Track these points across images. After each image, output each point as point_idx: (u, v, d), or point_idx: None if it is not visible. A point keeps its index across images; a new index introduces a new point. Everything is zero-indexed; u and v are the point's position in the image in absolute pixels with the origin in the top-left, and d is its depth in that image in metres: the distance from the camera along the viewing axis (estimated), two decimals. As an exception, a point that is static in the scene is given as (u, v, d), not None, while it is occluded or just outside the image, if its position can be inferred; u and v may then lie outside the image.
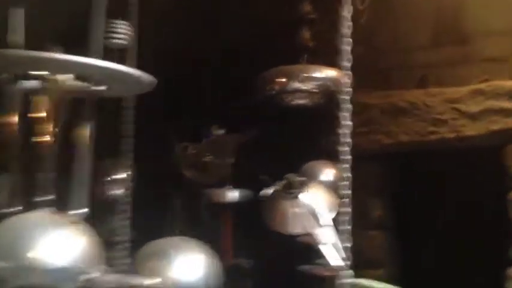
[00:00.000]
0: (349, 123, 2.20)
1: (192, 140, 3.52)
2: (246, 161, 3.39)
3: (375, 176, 3.36)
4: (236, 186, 3.34)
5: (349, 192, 2.19)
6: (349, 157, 2.19)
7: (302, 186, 2.61)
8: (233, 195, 3.30)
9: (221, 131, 3.47)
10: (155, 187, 3.41)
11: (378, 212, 3.51)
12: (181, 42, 3.45)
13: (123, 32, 1.71)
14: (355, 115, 2.08)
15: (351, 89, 2.21)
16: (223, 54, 3.46)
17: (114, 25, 1.70)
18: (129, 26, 1.70)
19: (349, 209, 2.01)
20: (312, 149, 3.05)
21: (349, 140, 2.18)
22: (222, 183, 3.36)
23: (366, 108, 3.31)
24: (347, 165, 2.20)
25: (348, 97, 2.22)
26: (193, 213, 3.72)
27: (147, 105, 3.61)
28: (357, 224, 2.05)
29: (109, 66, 1.41)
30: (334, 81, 2.79)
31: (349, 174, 2.19)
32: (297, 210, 2.54)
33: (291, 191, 2.59)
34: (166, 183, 3.53)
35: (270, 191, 2.68)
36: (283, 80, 2.98)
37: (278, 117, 3.23)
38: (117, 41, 1.71)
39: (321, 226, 2.53)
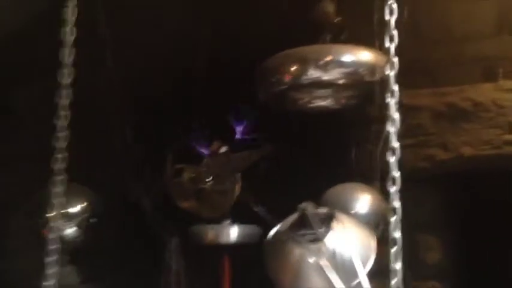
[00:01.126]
0: (396, 117, 1.32)
1: (186, 160, 2.86)
2: (251, 187, 2.75)
3: (428, 204, 2.58)
4: (240, 221, 2.68)
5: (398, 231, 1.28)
6: (397, 174, 1.28)
7: (323, 222, 1.68)
8: (233, 233, 2.61)
9: (224, 148, 2.81)
10: (139, 225, 2.83)
11: (435, 254, 2.65)
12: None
13: None
14: (396, 121, 1.41)
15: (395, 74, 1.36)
16: (214, 39, 2.57)
17: None
18: None
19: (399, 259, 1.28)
20: (337, 168, 2.44)
21: (397, 149, 1.29)
22: (221, 218, 2.69)
23: (411, 111, 2.53)
24: (395, 188, 1.28)
25: (395, 88, 1.34)
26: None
27: (128, 116, 2.88)
28: (405, 273, 1.38)
29: None
30: (371, 67, 2.12)
31: (398, 204, 1.28)
32: (314, 260, 1.62)
33: (306, 231, 1.66)
34: (154, 219, 2.90)
35: (273, 230, 1.75)
36: (295, 67, 2.07)
37: (290, 125, 2.60)
38: None
39: (353, 284, 1.62)
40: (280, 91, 2.24)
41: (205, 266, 2.68)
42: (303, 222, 1.74)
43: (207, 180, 2.80)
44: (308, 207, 1.72)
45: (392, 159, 1.32)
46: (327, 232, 1.70)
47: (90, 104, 2.56)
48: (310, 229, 1.70)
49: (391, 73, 1.36)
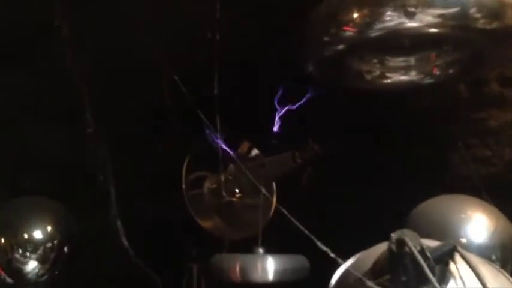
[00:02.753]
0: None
1: (208, 167, 2.36)
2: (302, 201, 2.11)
3: None
4: (277, 248, 2.06)
5: None
6: None
7: (435, 264, 0.96)
8: (269, 267, 1.94)
9: (255, 151, 2.32)
10: (149, 251, 2.21)
11: None
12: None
13: None
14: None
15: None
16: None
17: None
18: None
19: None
20: (436, 170, 1.75)
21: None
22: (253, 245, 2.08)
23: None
24: None
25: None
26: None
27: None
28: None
29: None
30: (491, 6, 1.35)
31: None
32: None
33: (403, 279, 0.95)
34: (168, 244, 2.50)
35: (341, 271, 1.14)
36: (362, 12, 1.37)
37: (358, 107, 1.91)
38: None
39: None
40: (338, 55, 1.53)
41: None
42: (397, 263, 0.97)
43: (234, 192, 2.38)
44: (408, 237, 0.94)
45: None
46: (444, 283, 0.95)
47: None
48: (415, 277, 0.92)
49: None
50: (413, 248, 0.93)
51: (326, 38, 1.51)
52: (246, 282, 1.93)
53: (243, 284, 1.97)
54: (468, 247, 1.38)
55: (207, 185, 2.43)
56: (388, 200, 1.69)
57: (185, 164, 2.49)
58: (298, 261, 1.95)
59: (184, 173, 2.45)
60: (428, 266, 0.97)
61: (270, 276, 1.92)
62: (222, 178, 2.41)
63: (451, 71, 1.61)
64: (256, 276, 1.90)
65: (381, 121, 1.87)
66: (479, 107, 1.81)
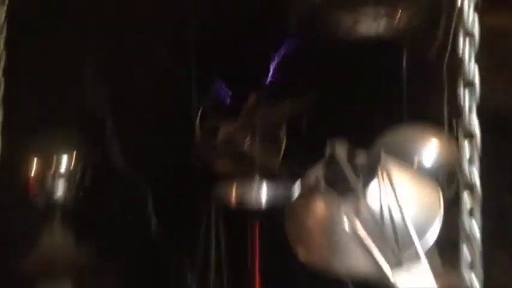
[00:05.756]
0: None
1: (217, 116, 2.58)
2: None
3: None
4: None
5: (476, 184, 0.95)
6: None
7: (364, 170, 1.19)
8: (263, 194, 2.22)
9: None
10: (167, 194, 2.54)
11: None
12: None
13: None
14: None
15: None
16: None
17: None
18: None
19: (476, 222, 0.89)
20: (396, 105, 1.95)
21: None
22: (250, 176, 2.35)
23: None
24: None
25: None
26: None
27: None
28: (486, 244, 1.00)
29: None
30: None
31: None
32: (346, 214, 1.11)
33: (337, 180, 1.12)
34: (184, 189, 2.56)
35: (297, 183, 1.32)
36: None
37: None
38: None
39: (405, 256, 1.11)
40: (315, 7, 1.76)
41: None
42: (333, 168, 1.22)
43: (245, 140, 2.55)
44: (338, 146, 1.18)
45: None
46: (367, 182, 1.12)
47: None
48: (343, 178, 1.17)
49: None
50: (338, 153, 1.16)
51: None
52: (244, 207, 2.14)
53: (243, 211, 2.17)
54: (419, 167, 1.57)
55: (220, 133, 2.54)
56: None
57: (199, 114, 2.58)
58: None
59: (198, 122, 2.55)
60: (355, 167, 1.20)
61: (267, 201, 2.12)
62: (234, 127, 2.51)
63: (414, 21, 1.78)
64: (251, 201, 2.12)
65: (360, 64, 2.01)
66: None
